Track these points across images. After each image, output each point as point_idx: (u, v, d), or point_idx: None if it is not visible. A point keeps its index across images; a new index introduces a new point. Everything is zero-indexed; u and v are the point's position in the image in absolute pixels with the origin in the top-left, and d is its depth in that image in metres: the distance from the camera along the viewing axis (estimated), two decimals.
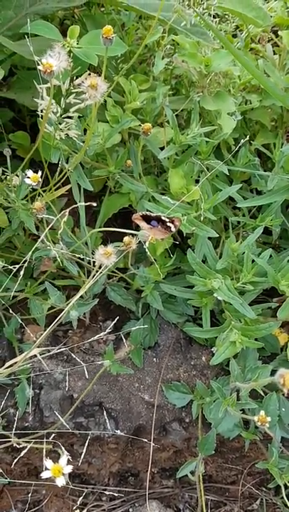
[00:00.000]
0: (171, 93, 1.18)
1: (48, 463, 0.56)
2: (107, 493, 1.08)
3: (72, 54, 0.87)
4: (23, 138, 1.13)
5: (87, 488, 1.12)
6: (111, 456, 1.04)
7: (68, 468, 0.56)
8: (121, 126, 0.93)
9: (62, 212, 0.69)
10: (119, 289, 1.03)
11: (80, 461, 0.88)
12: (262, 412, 0.62)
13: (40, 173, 0.74)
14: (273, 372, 0.89)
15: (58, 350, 0.98)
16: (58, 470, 0.55)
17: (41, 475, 0.55)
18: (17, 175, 0.90)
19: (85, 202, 1.08)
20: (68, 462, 1.02)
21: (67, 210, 0.71)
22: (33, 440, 0.73)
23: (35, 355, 0.89)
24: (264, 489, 1.13)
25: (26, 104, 1.12)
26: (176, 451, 1.05)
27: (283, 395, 0.92)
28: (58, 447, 0.69)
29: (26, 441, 0.72)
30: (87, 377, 0.95)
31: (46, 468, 0.56)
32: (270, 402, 0.87)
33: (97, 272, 0.75)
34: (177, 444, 1.01)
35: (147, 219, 0.75)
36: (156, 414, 0.96)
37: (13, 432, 0.84)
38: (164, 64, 0.94)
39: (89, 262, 0.97)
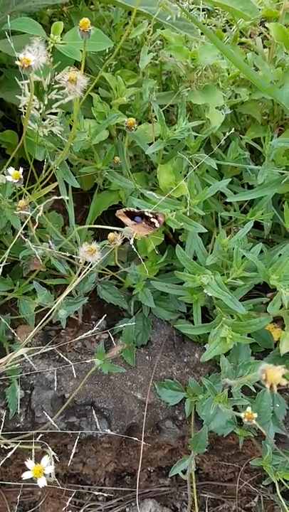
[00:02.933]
0: (162, 88, 1.18)
1: (29, 463, 0.54)
2: (103, 493, 1.07)
3: (55, 50, 0.86)
4: (12, 137, 1.12)
5: (83, 488, 1.11)
6: (106, 456, 1.03)
7: (50, 469, 0.55)
8: (107, 122, 0.92)
9: (38, 206, 0.68)
10: (111, 287, 1.02)
11: (70, 460, 0.87)
12: (248, 409, 0.61)
13: (23, 170, 0.73)
14: None
15: (50, 349, 0.98)
16: (39, 470, 0.54)
17: (22, 476, 0.54)
18: (3, 173, 0.90)
19: (76, 201, 1.08)
20: (61, 462, 1.02)
21: (47, 201, 0.70)
22: (21, 441, 0.72)
23: (24, 355, 0.88)
24: (262, 486, 1.12)
25: (15, 103, 1.11)
26: (171, 449, 1.04)
27: (279, 391, 0.91)
28: (45, 447, 0.68)
29: (14, 442, 0.71)
30: (78, 376, 0.94)
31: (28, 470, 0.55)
32: (263, 398, 0.86)
33: (82, 269, 0.74)
34: (172, 443, 1.00)
35: (131, 215, 0.74)
36: (149, 413, 0.95)
37: (4, 433, 0.83)
38: (149, 58, 0.93)
39: (79, 261, 0.96)
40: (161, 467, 1.10)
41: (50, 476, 0.54)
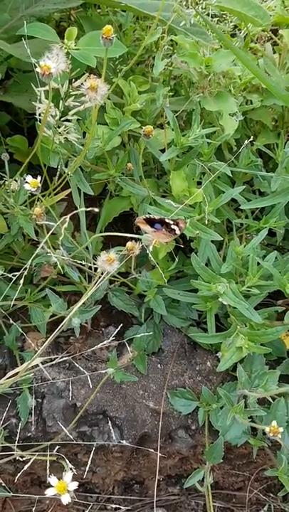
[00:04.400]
0: (171, 94, 1.17)
1: (52, 480, 0.53)
2: (112, 503, 1.06)
3: (69, 56, 0.85)
4: (21, 142, 1.11)
5: (91, 497, 1.10)
6: (116, 465, 1.02)
7: (74, 485, 0.54)
8: (121, 128, 0.91)
9: (62, 218, 0.67)
10: (122, 294, 1.01)
11: (83, 470, 0.86)
12: (274, 423, 0.61)
13: (38, 177, 0.72)
14: (281, 378, 0.87)
15: (60, 358, 0.97)
16: (63, 487, 0.53)
17: (45, 492, 0.53)
18: (15, 180, 0.89)
19: (85, 205, 1.07)
20: (72, 473, 1.01)
21: (68, 216, 0.69)
22: (37, 453, 0.71)
23: (37, 364, 0.87)
24: (272, 495, 1.11)
25: (23, 108, 1.10)
26: (181, 458, 1.03)
27: None
28: (61, 459, 0.67)
29: (30, 454, 0.70)
30: (90, 385, 0.93)
31: (50, 485, 0.54)
32: (278, 407, 0.85)
33: (99, 277, 0.73)
34: (183, 452, 0.99)
35: (151, 222, 0.73)
36: (161, 422, 0.94)
37: (17, 443, 0.82)
38: (163, 65, 0.92)
39: (90, 268, 0.95)
40: (170, 476, 1.09)
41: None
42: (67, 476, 0.54)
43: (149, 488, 1.11)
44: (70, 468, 0.62)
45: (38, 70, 0.61)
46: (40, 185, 0.69)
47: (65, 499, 0.53)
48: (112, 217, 1.05)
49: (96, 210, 0.69)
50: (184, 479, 1.10)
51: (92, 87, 0.61)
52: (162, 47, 0.98)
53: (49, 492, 0.53)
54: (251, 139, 0.97)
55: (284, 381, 0.92)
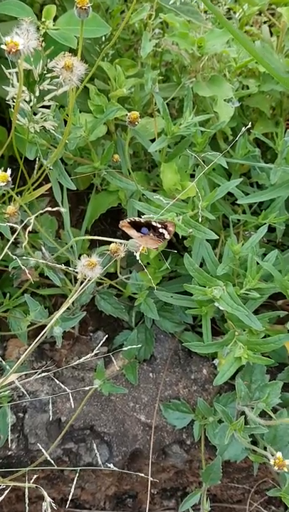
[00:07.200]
0: (161, 79, 1.09)
1: None
2: None
3: (47, 36, 0.77)
4: (1, 133, 1.03)
5: None
6: (106, 481, 0.94)
7: None
8: (106, 116, 0.83)
9: (29, 218, 0.59)
10: (110, 297, 0.94)
11: (73, 488, 0.78)
12: (279, 454, 0.53)
13: (13, 170, 0.64)
14: (284, 388, 0.80)
15: (44, 366, 0.90)
16: None
17: None
18: None
19: (71, 201, 0.99)
20: (58, 487, 0.94)
21: (36, 214, 0.61)
22: (13, 483, 0.63)
23: (19, 376, 0.80)
24: (272, 507, 1.05)
25: (3, 96, 1.02)
26: (177, 471, 0.96)
27: None
28: (40, 488, 0.60)
29: (7, 483, 0.63)
30: (75, 397, 0.85)
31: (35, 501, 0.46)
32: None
33: (81, 283, 0.66)
34: (178, 466, 0.92)
35: (137, 225, 0.65)
36: (154, 437, 0.87)
37: None
38: (151, 46, 0.84)
39: (78, 276, 0.87)
40: (165, 489, 1.02)
41: None
42: None
43: (142, 501, 1.04)
44: (50, 502, 0.54)
45: (3, 46, 0.53)
46: (10, 179, 0.61)
47: None
48: (99, 214, 0.98)
49: (63, 210, 0.61)
50: (179, 492, 1.03)
51: (66, 66, 0.53)
52: (151, 27, 0.90)
53: None
54: (248, 127, 0.89)
55: (286, 390, 0.85)
